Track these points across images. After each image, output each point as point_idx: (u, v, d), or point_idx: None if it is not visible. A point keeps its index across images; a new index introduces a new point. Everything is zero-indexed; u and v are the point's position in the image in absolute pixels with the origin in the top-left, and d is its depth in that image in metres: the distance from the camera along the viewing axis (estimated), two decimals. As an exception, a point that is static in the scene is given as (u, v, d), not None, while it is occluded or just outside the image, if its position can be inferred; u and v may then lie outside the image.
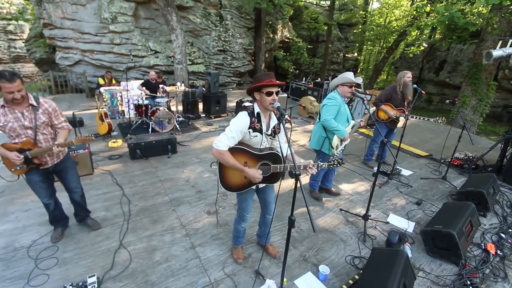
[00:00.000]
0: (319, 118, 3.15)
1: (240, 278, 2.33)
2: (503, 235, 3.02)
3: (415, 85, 3.95)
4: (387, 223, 3.21)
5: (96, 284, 2.08)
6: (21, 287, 2.12)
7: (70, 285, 2.07)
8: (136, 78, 9.33)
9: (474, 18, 6.85)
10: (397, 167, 4.60)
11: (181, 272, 2.36)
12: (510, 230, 3.14)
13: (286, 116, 1.66)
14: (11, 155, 2.13)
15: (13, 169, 2.26)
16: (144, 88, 6.24)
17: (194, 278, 2.31)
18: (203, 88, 8.18)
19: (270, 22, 13.49)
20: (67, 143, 2.26)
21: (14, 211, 3.04)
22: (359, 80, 3.12)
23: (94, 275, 2.14)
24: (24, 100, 2.15)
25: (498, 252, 2.76)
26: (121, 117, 6.77)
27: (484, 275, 2.48)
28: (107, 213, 3.12)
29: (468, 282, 2.34)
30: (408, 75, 4.00)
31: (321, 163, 1.96)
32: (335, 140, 3.11)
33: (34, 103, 2.20)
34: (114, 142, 5.05)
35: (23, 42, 15.25)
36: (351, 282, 2.32)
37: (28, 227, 2.81)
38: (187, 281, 2.27)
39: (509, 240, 2.97)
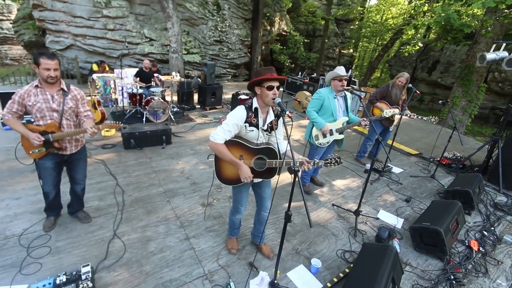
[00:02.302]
0: None
1: (234, 270, 2.37)
2: (485, 233, 3.16)
3: (410, 85, 4.01)
4: (377, 219, 3.31)
5: (90, 274, 2.07)
6: (13, 275, 2.10)
7: (64, 274, 2.05)
8: (130, 66, 9.13)
9: (469, 19, 6.94)
10: (388, 164, 4.70)
11: (176, 263, 2.38)
12: (492, 228, 3.28)
13: (287, 113, 1.68)
14: (32, 135, 2.18)
15: (31, 152, 2.30)
16: (138, 79, 6.12)
17: (188, 269, 2.34)
18: (199, 79, 8.08)
19: (268, 14, 13.33)
20: (97, 127, 2.31)
21: (4, 199, 2.98)
22: (341, 71, 3.08)
23: (88, 265, 2.13)
24: (57, 83, 2.25)
25: (481, 248, 2.90)
26: (114, 105, 6.63)
27: (466, 271, 2.61)
28: (100, 202, 3.10)
29: (452, 277, 2.46)
30: (400, 79, 4.06)
31: (318, 161, 2.00)
32: (314, 131, 3.30)
33: (65, 88, 2.31)
34: (107, 131, 4.96)
35: (11, 23, 14.61)
36: (341, 275, 2.40)
37: (19, 215, 2.77)
38: (181, 272, 2.30)
39: (491, 238, 3.11)
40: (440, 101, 4.55)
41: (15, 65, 16.84)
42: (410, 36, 15.67)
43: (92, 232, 2.65)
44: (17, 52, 17.62)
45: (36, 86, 2.21)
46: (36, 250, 2.36)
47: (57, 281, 1.99)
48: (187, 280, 2.23)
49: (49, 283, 1.97)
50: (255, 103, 1.96)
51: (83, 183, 2.71)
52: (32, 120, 2.30)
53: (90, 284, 1.99)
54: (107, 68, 7.60)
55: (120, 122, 2.47)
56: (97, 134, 2.40)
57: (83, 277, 2.05)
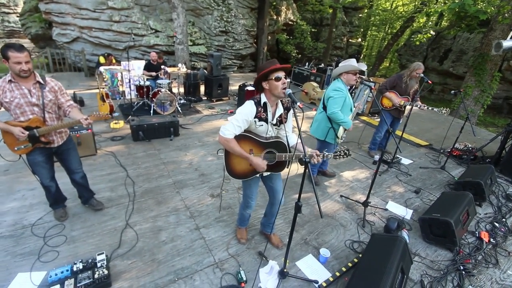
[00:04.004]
0: (323, 108, 3.14)
1: (243, 259, 2.42)
2: (496, 224, 3.13)
3: (422, 74, 3.90)
4: (386, 210, 3.30)
5: (105, 261, 2.14)
6: (32, 262, 2.19)
7: (80, 261, 2.13)
8: (136, 58, 9.12)
9: (485, 5, 6.66)
10: (397, 155, 4.65)
11: (187, 252, 2.44)
12: (503, 219, 3.24)
13: (298, 104, 1.66)
14: (15, 130, 2.11)
15: (16, 148, 2.22)
16: (146, 72, 6.12)
17: (199, 257, 2.39)
18: (205, 71, 8.04)
19: (274, 3, 13.04)
20: (91, 116, 2.27)
21: (20, 190, 3.07)
22: (363, 66, 3.07)
23: (103, 253, 2.21)
24: (31, 76, 2.14)
25: (491, 240, 2.88)
26: (121, 97, 6.68)
27: (476, 261, 2.60)
28: (111, 193, 3.17)
29: (461, 267, 2.46)
30: (418, 71, 3.89)
31: (327, 153, 1.99)
32: (341, 131, 3.13)
33: (41, 80, 2.20)
34: (116, 123, 5.02)
35: (17, 16, 14.68)
36: (350, 264, 2.42)
37: (35, 205, 2.85)
38: (192, 261, 2.35)
39: (502, 229, 3.08)
40: (452, 91, 4.42)
41: (23, 58, 17.00)
42: (421, 24, 15.19)
43: (105, 222, 2.72)
44: (25, 45, 17.75)
45: (10, 81, 2.09)
46: (53, 239, 2.44)
47: (74, 268, 2.07)
48: (198, 268, 2.28)
49: (67, 270, 2.05)
50: (263, 98, 1.93)
51: (81, 171, 2.68)
52: (12, 118, 2.20)
53: (106, 272, 2.06)
54: (114, 61, 7.62)
55: (108, 114, 2.42)
56: (91, 125, 2.30)
57: (99, 264, 2.12)
